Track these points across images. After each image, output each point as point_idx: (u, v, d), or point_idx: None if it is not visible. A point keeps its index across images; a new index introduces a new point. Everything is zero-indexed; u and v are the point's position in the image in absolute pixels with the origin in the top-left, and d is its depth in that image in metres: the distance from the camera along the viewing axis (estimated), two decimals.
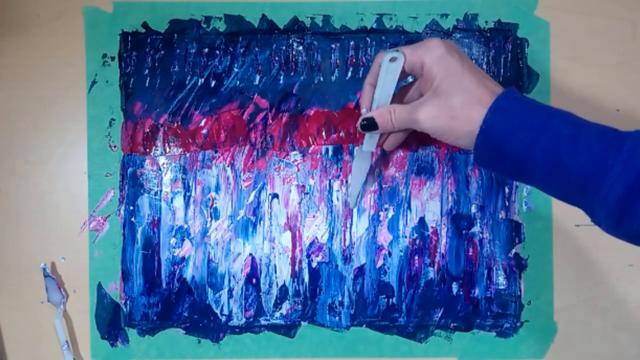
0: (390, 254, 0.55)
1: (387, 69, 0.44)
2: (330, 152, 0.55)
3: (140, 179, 0.55)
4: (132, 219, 0.55)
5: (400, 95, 0.49)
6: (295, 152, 0.55)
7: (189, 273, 0.55)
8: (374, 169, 0.54)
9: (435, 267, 0.55)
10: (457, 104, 0.40)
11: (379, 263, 0.55)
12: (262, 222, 0.55)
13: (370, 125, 0.46)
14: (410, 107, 0.43)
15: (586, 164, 0.36)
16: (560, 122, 0.38)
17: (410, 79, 0.51)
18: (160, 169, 0.55)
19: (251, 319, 0.55)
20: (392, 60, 0.44)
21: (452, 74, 0.41)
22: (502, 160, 0.40)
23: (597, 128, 0.38)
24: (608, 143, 0.36)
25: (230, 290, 0.55)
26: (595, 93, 0.55)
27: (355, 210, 0.55)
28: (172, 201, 0.55)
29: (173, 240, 0.55)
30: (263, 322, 0.55)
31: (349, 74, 0.55)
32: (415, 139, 0.55)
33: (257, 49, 0.55)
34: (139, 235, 0.54)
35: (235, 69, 0.55)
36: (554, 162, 0.37)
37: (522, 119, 0.38)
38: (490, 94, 0.40)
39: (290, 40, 0.55)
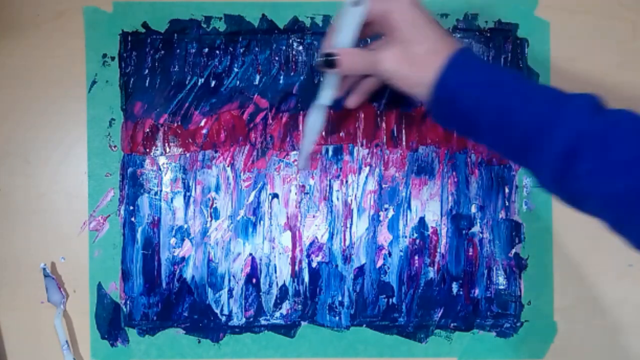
0: (390, 254, 0.55)
1: (349, 12, 0.43)
2: (330, 152, 0.55)
3: (140, 179, 0.55)
4: (132, 219, 0.55)
5: None
6: (295, 152, 0.55)
7: (189, 273, 0.55)
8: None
9: (435, 267, 0.55)
10: (419, 51, 0.41)
11: (379, 263, 0.55)
12: (262, 222, 0.55)
13: (331, 62, 0.44)
14: (373, 51, 0.44)
15: (534, 121, 0.37)
16: (512, 80, 0.39)
17: (369, 41, 0.51)
18: (160, 169, 0.55)
19: (251, 319, 0.55)
20: (356, 4, 0.43)
21: (417, 24, 0.42)
22: (455, 114, 0.41)
23: (548, 88, 0.39)
24: (556, 102, 0.37)
25: (230, 290, 0.55)
26: (595, 93, 0.55)
27: (355, 210, 0.55)
28: (172, 201, 0.55)
29: (173, 240, 0.55)
30: (263, 322, 0.55)
31: None
32: (415, 138, 0.55)
33: (257, 49, 0.55)
34: (139, 235, 0.54)
35: (235, 69, 0.55)
36: (504, 117, 0.38)
37: (477, 74, 0.40)
38: (450, 47, 0.41)
39: (290, 40, 0.55)
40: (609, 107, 0.37)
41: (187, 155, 0.55)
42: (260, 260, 0.55)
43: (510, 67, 0.55)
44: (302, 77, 0.55)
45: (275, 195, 0.55)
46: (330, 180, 0.55)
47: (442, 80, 0.40)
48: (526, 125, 0.37)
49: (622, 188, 0.34)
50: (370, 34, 0.46)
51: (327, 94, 0.46)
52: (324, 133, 0.55)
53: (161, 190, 0.55)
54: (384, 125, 0.55)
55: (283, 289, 0.55)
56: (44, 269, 0.54)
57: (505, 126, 0.38)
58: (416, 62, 0.41)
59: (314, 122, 0.48)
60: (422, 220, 0.55)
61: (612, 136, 0.35)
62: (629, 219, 0.35)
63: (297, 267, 0.55)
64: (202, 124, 0.55)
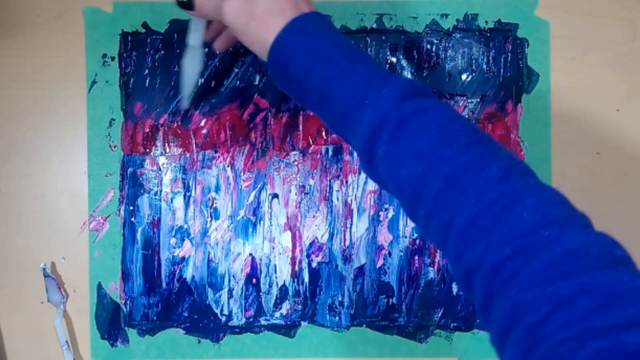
0: (390, 254, 0.55)
1: None
2: (330, 152, 0.55)
3: (140, 179, 0.55)
4: (132, 219, 0.55)
5: None
6: (295, 152, 0.55)
7: (189, 273, 0.55)
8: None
9: (435, 267, 0.55)
10: (260, 6, 0.40)
11: (379, 263, 0.55)
12: (262, 222, 0.55)
13: (186, 3, 0.43)
14: None
15: (349, 100, 0.36)
16: (341, 54, 0.38)
17: None
18: (160, 169, 0.55)
19: (251, 319, 0.55)
20: None
21: None
22: (289, 81, 0.40)
23: (371, 67, 0.37)
24: (371, 83, 0.36)
25: (230, 290, 0.55)
26: (595, 93, 0.55)
27: (355, 210, 0.55)
28: (172, 201, 0.55)
29: (173, 240, 0.55)
30: (263, 322, 0.55)
31: None
32: None
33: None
34: (139, 235, 0.54)
35: (235, 69, 0.55)
36: (325, 92, 0.38)
37: (308, 44, 0.38)
38: (294, 9, 0.39)
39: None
40: (428, 95, 0.37)
41: (187, 155, 0.55)
42: (260, 260, 0.55)
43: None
44: None
45: (275, 195, 0.55)
46: (330, 180, 0.55)
47: (275, 44, 0.39)
48: (344, 104, 0.37)
49: (407, 176, 0.34)
50: None
51: (195, 36, 0.48)
52: (324, 133, 0.55)
53: (161, 190, 0.55)
54: None
55: (283, 289, 0.55)
56: (44, 269, 0.54)
57: (327, 101, 0.38)
58: (256, 18, 0.40)
59: (189, 63, 0.50)
60: None
61: (407, 124, 0.34)
62: (413, 208, 0.35)
63: (297, 267, 0.55)
64: (202, 124, 0.55)
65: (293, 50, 0.38)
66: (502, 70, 0.55)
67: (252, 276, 0.55)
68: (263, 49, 0.40)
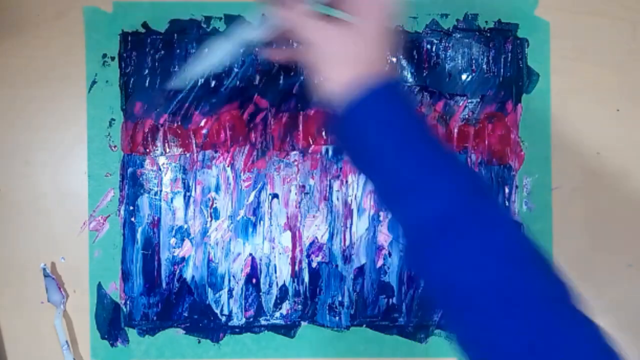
0: (390, 254, 0.55)
1: None
2: (330, 152, 0.55)
3: (140, 179, 0.55)
4: (132, 219, 0.54)
5: None
6: (295, 152, 0.55)
7: (189, 273, 0.55)
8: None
9: None
10: (355, 46, 0.38)
11: (379, 263, 0.55)
12: (262, 222, 0.55)
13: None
14: (328, 26, 0.39)
15: (411, 180, 0.36)
16: (422, 133, 0.37)
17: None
18: (160, 169, 0.55)
19: (251, 319, 0.55)
20: None
21: (371, 26, 0.38)
22: (354, 141, 0.38)
23: (447, 158, 0.37)
24: (439, 171, 0.36)
25: (230, 290, 0.55)
26: (595, 93, 0.55)
27: (355, 210, 0.55)
28: (172, 201, 0.55)
29: (173, 240, 0.55)
30: (263, 322, 0.55)
31: None
32: None
33: (257, 49, 0.55)
34: (139, 235, 0.54)
35: (235, 69, 0.55)
36: (391, 165, 0.37)
37: (389, 116, 0.37)
38: (366, 70, 0.37)
39: (291, 41, 0.55)
40: (490, 194, 0.37)
41: (187, 155, 0.55)
42: (260, 260, 0.55)
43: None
44: (302, 77, 0.55)
45: (275, 195, 0.55)
46: (330, 180, 0.55)
47: (356, 104, 0.37)
48: (405, 180, 0.36)
49: (460, 283, 0.34)
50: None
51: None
52: (323, 132, 0.55)
53: (161, 190, 0.55)
54: None
55: (283, 289, 0.55)
56: (44, 269, 0.54)
57: (389, 172, 0.37)
58: (345, 54, 0.38)
59: (222, 55, 0.46)
60: None
61: (466, 229, 0.34)
62: (458, 317, 0.35)
63: (297, 267, 0.55)
64: (202, 124, 0.55)
65: (373, 117, 0.37)
66: (502, 70, 0.55)
67: (252, 276, 0.55)
68: (336, 97, 0.38)
